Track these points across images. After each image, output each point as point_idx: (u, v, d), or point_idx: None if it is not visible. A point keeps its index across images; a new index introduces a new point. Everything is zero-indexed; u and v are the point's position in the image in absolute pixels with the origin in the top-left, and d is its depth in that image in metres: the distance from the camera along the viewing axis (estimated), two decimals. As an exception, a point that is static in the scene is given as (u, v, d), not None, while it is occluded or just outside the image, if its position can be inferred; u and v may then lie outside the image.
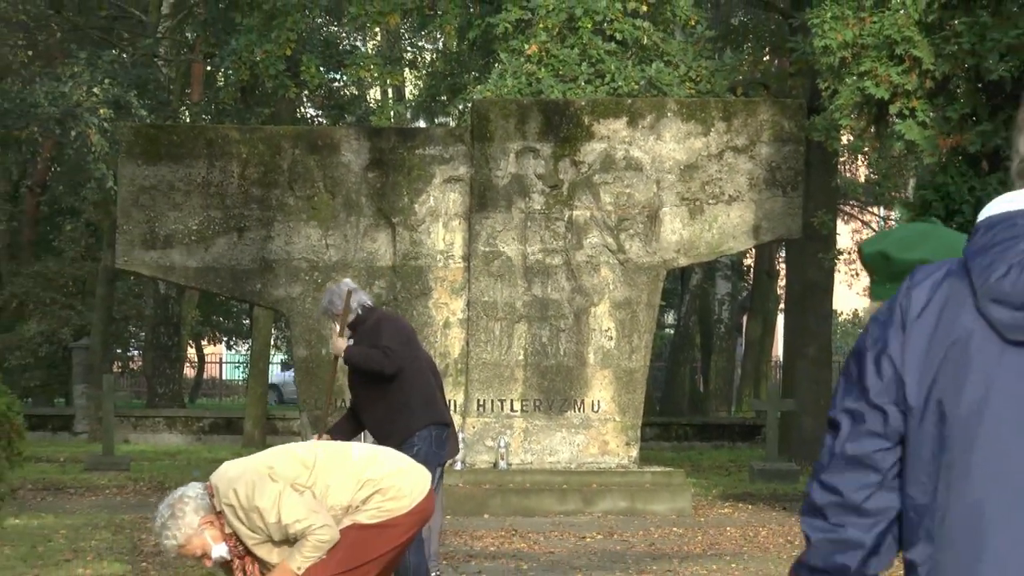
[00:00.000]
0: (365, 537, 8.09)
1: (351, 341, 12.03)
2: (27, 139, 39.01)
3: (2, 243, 42.42)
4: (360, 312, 12.05)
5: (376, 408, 11.80)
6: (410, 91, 38.99)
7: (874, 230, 49.36)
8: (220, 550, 8.09)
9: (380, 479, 8.16)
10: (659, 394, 39.68)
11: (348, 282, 12.37)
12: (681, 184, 21.46)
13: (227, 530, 8.08)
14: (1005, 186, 18.19)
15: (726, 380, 43.80)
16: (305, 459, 8.14)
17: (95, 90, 35.61)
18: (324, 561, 8.01)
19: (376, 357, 11.78)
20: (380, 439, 11.53)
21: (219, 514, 8.08)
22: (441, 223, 21.50)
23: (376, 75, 36.24)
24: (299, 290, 21.15)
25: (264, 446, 15.03)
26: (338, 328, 12.15)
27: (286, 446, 8.58)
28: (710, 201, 21.47)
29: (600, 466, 21.10)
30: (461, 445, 19.79)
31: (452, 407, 21.15)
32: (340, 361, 12.20)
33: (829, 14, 19.15)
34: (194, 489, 8.17)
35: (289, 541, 8.05)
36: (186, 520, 8.07)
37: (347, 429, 12.19)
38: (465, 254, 21.44)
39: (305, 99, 37.90)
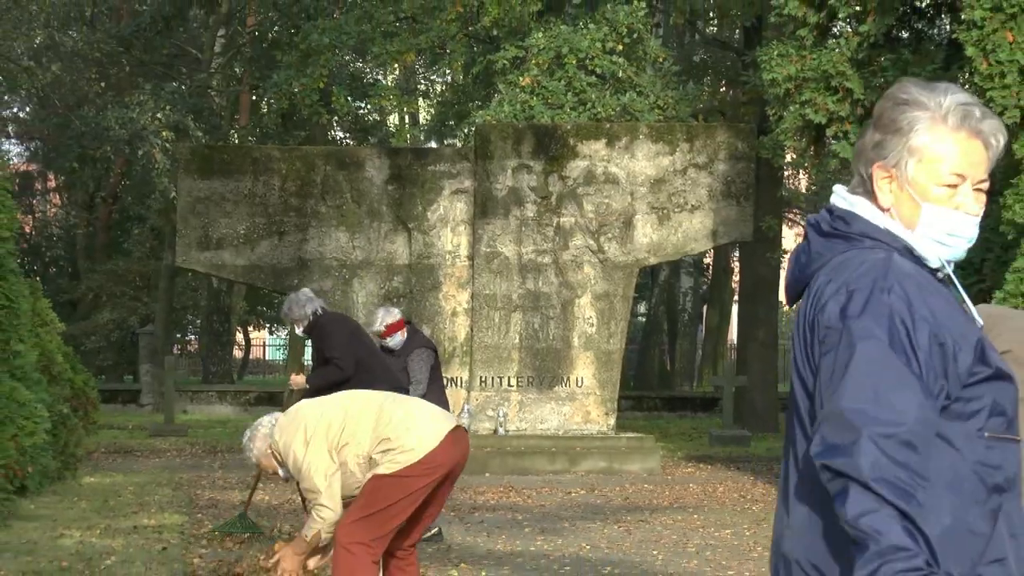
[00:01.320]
0: (382, 485, 7.92)
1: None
2: (101, 157, 39.02)
3: (80, 245, 42.39)
4: (312, 318, 12.16)
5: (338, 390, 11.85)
6: (423, 117, 38.98)
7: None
8: (283, 471, 8.24)
9: (392, 437, 7.97)
10: (633, 372, 39.59)
11: (306, 291, 12.54)
12: (651, 195, 21.48)
13: (279, 459, 8.25)
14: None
15: (689, 360, 43.70)
16: (336, 420, 8.06)
17: (158, 116, 35.76)
18: (351, 509, 7.98)
19: (332, 373, 11.97)
20: None
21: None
22: (449, 228, 21.50)
23: (395, 104, 36.39)
24: (330, 284, 21.10)
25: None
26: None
27: (328, 402, 8.40)
28: (675, 210, 21.51)
29: (583, 432, 21.13)
30: (466, 415, 19.92)
31: (458, 383, 21.26)
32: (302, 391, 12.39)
33: (775, 52, 19.13)
34: (268, 421, 8.32)
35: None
36: (256, 444, 8.24)
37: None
38: (470, 254, 21.45)
39: (335, 124, 37.89)
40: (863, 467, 2.92)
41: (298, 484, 8.30)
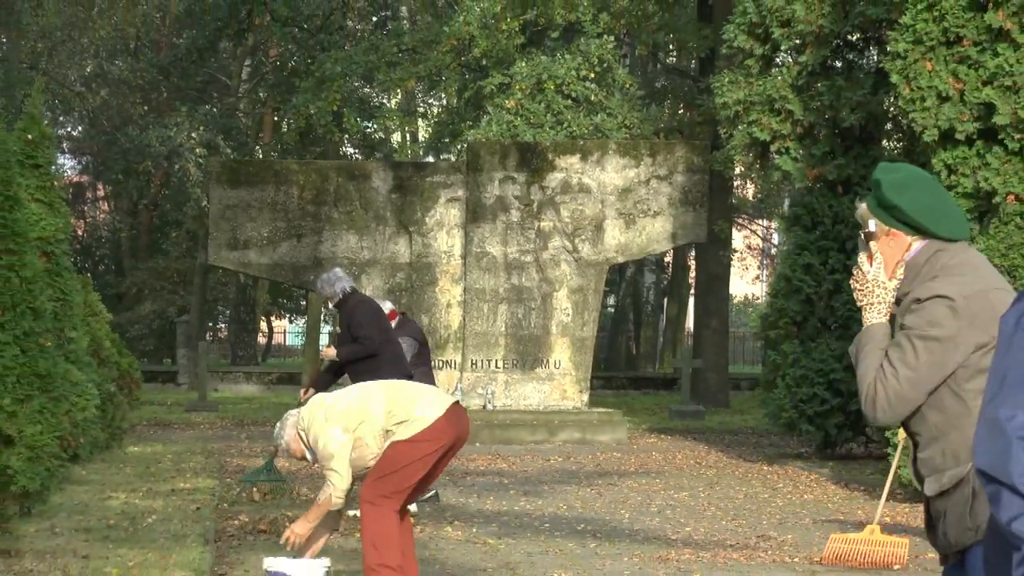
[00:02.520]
0: (398, 450, 7.99)
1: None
2: (143, 170, 39.02)
3: (125, 246, 42.35)
4: (341, 295, 12.02)
5: (358, 366, 11.82)
6: (422, 135, 38.94)
7: (760, 237, 49.37)
8: (310, 455, 8.19)
9: (401, 411, 8.04)
10: (603, 355, 39.54)
11: (337, 271, 12.37)
12: (619, 203, 21.51)
13: (305, 444, 8.25)
14: (856, 209, 18.39)
15: (652, 345, 43.71)
16: (352, 404, 8.10)
17: (193, 135, 35.75)
18: (373, 470, 8.04)
19: (358, 350, 11.92)
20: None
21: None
22: (444, 231, 21.49)
23: (397, 123, 36.38)
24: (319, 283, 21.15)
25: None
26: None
27: (346, 391, 8.44)
28: (640, 215, 21.54)
29: (560, 408, 21.14)
30: (458, 393, 19.93)
31: (453, 365, 21.28)
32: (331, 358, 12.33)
33: (726, 79, 19.17)
34: (295, 413, 8.28)
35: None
36: (286, 432, 8.19)
37: (326, 380, 12.33)
38: (462, 253, 21.42)
39: (346, 141, 37.85)
40: (1013, 473, 2.68)
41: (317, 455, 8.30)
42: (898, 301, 3.94)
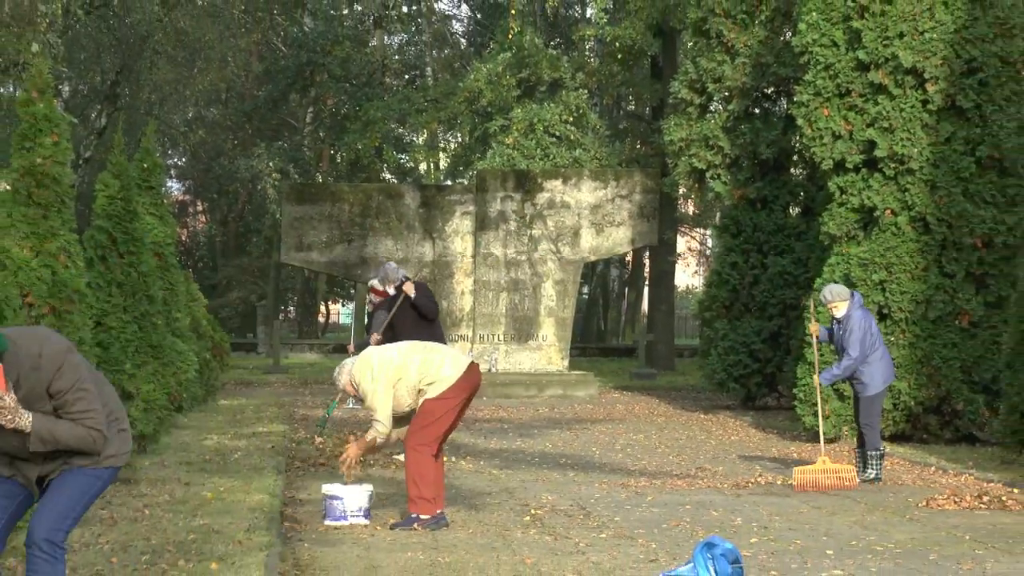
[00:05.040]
0: (431, 406, 8.01)
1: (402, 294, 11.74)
2: (231, 191, 39.02)
3: (217, 248, 42.30)
4: (401, 280, 11.81)
5: (412, 331, 11.50)
6: (443, 164, 38.91)
7: (698, 242, 49.20)
8: (358, 396, 8.17)
9: (431, 373, 8.03)
10: (579, 331, 39.63)
11: (392, 264, 12.21)
12: (591, 216, 21.46)
13: (356, 389, 8.15)
14: (771, 220, 18.43)
15: (616, 323, 43.75)
16: (392, 363, 8.05)
17: (269, 164, 35.64)
18: (413, 424, 8.05)
19: (432, 307, 11.81)
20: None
21: None
22: (459, 237, 21.43)
23: (424, 156, 36.31)
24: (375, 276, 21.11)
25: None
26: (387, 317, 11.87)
27: (389, 353, 8.18)
28: (607, 225, 21.49)
29: (547, 371, 21.07)
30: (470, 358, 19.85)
31: (466, 339, 21.23)
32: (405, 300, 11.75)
33: (673, 122, 19.15)
34: (350, 362, 8.20)
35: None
36: (342, 378, 8.14)
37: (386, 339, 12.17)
38: (473, 254, 21.37)
39: (384, 169, 37.80)
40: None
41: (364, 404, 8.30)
42: None
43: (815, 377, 11.07)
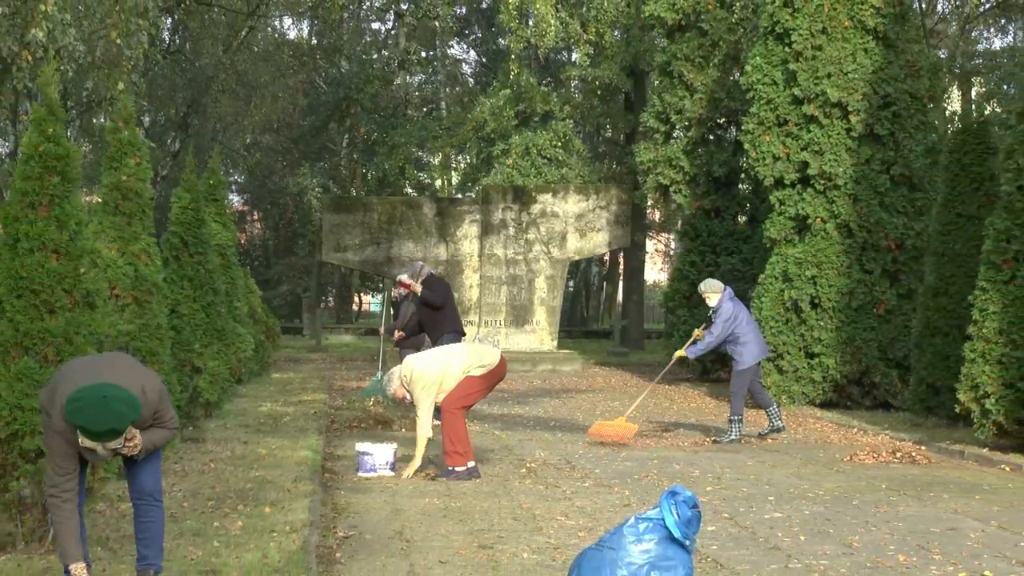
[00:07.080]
0: (472, 381, 8.18)
1: (422, 290, 11.57)
2: (282, 203, 38.92)
3: (270, 250, 42.22)
4: (428, 276, 11.69)
5: (429, 320, 11.56)
6: (455, 181, 38.84)
7: (664, 244, 49.07)
8: (409, 397, 8.23)
9: (476, 360, 8.21)
10: (566, 317, 39.64)
11: (420, 262, 12.07)
12: (576, 223, 21.42)
13: (407, 390, 8.20)
14: (723, 226, 18.42)
15: (596, 311, 43.73)
16: (436, 369, 8.13)
17: (313, 180, 35.56)
18: (451, 392, 8.11)
19: (434, 298, 11.60)
20: (431, 337, 11.46)
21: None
22: (468, 240, 21.39)
23: (439, 174, 36.23)
24: (406, 272, 21.03)
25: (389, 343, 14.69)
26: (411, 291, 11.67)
27: (433, 359, 8.24)
28: (589, 231, 21.45)
29: (539, 350, 21.02)
30: (477, 341, 19.83)
31: (475, 324, 21.21)
32: (417, 295, 11.60)
33: (642, 146, 19.11)
34: (398, 371, 8.25)
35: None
36: (393, 385, 8.23)
37: (413, 340, 12.03)
38: (479, 254, 21.28)
39: (407, 185, 37.74)
40: None
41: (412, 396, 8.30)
42: None
43: (681, 351, 10.98)
